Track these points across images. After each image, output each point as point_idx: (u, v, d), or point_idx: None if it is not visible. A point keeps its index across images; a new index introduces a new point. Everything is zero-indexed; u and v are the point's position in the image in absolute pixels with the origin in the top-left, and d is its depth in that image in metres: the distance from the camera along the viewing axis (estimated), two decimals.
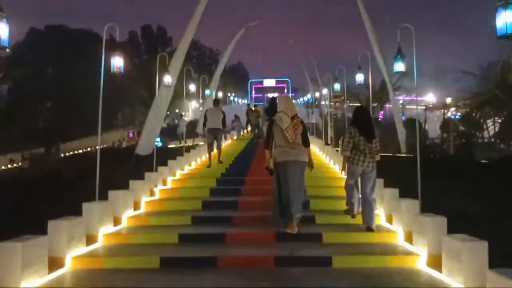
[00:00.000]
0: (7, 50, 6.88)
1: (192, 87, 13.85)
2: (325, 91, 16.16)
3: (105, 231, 5.47)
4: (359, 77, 10.42)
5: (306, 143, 5.50)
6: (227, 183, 8.49)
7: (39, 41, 52.87)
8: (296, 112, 5.56)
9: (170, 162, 9.53)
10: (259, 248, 5.06)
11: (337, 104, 20.12)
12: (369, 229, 5.47)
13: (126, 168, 13.13)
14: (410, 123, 31.52)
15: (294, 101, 6.99)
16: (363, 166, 5.50)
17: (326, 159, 11.94)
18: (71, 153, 35.48)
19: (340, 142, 17.93)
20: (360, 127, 5.56)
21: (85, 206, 5.40)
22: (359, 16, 10.31)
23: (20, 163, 30.35)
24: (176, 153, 12.51)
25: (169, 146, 27.55)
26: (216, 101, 11.47)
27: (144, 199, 7.06)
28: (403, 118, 38.57)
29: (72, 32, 55.05)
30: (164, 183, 8.46)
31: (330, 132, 18.32)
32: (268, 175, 5.69)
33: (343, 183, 8.37)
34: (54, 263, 4.33)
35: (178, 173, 9.55)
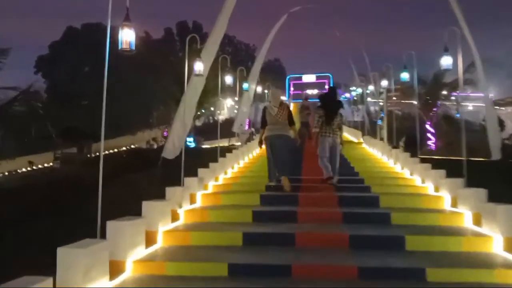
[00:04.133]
0: None
1: (228, 79, 11.73)
2: (384, 82, 13.60)
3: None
4: (446, 61, 7.90)
5: (291, 123, 7.15)
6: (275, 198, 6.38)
7: (76, 39, 52.68)
8: (280, 100, 7.28)
9: (200, 171, 7.46)
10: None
11: (394, 98, 17.51)
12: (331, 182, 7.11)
13: (151, 173, 11.26)
14: (446, 120, 28.11)
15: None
16: (330, 137, 7.17)
17: (397, 167, 9.48)
18: (105, 152, 34.53)
19: (401, 143, 15.19)
20: (326, 111, 7.21)
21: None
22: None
23: (51, 163, 29.60)
24: (210, 156, 10.59)
25: (203, 146, 25.77)
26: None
27: (162, 228, 4.95)
28: (457, 115, 34.97)
29: (106, 30, 54.46)
30: (192, 200, 6.34)
31: (381, 133, 15.82)
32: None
33: (433, 202, 6.09)
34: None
35: (211, 185, 7.43)
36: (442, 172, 7.06)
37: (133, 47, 5.12)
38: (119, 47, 5.11)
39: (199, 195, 6.52)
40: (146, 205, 4.89)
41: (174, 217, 5.48)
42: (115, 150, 37.62)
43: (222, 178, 8.27)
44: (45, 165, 31.50)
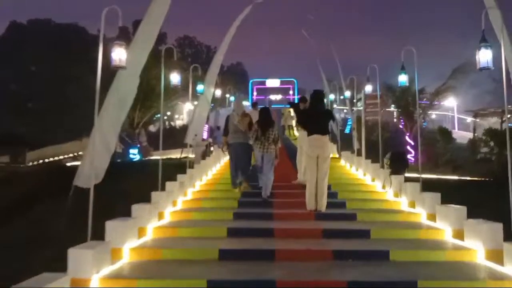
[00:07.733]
0: None
1: (175, 78, 8.84)
2: (368, 87, 11.18)
3: None
4: (485, 55, 5.37)
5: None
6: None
7: (22, 36, 48.00)
8: (243, 110, 7.97)
9: (109, 226, 4.48)
10: None
11: (371, 106, 15.25)
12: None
13: (62, 206, 8.22)
14: (444, 134, 26.42)
15: None
16: (262, 152, 7.15)
17: (403, 202, 6.90)
18: (40, 162, 30.49)
19: (386, 161, 12.53)
20: (261, 125, 7.20)
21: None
22: None
23: None
24: (150, 174, 7.88)
25: (153, 158, 22.49)
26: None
27: None
28: (424, 124, 33.36)
29: (57, 27, 50.17)
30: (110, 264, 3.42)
31: (357, 144, 13.43)
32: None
33: None
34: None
35: (126, 250, 4.47)
36: (498, 227, 4.49)
37: None
38: None
39: (94, 281, 3.59)
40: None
41: None
42: (62, 157, 33.60)
43: (151, 228, 5.33)
44: None
